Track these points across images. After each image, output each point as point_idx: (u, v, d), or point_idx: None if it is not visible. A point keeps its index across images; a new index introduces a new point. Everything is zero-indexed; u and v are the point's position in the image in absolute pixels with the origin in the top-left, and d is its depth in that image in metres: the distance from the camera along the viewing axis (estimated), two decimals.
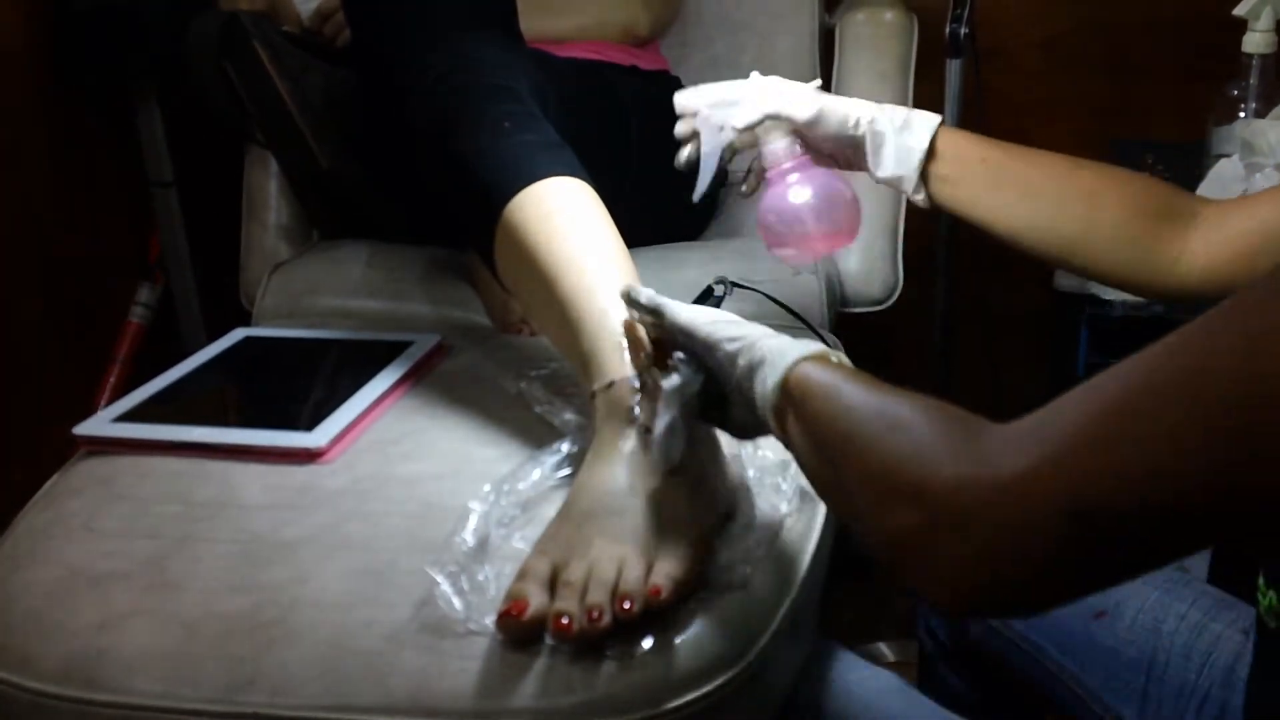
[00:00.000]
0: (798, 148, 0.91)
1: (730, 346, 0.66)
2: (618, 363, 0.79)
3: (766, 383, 0.62)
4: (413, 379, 1.03)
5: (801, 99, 0.90)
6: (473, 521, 0.76)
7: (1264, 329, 0.41)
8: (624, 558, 0.68)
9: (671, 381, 0.69)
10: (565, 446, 0.85)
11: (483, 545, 0.75)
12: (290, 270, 1.35)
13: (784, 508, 0.80)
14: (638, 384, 0.76)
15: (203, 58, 1.28)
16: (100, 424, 0.95)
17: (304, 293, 1.30)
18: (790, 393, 0.61)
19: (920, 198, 0.91)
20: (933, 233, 1.51)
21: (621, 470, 0.73)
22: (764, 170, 0.93)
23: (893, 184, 0.91)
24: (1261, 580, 0.65)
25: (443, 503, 0.83)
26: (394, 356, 1.05)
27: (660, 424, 0.69)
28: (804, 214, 0.90)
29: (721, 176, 0.97)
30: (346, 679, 0.68)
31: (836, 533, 0.87)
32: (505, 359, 1.07)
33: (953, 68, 1.43)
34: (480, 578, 0.71)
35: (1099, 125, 1.68)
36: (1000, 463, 0.48)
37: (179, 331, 1.78)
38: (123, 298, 1.77)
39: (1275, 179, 1.18)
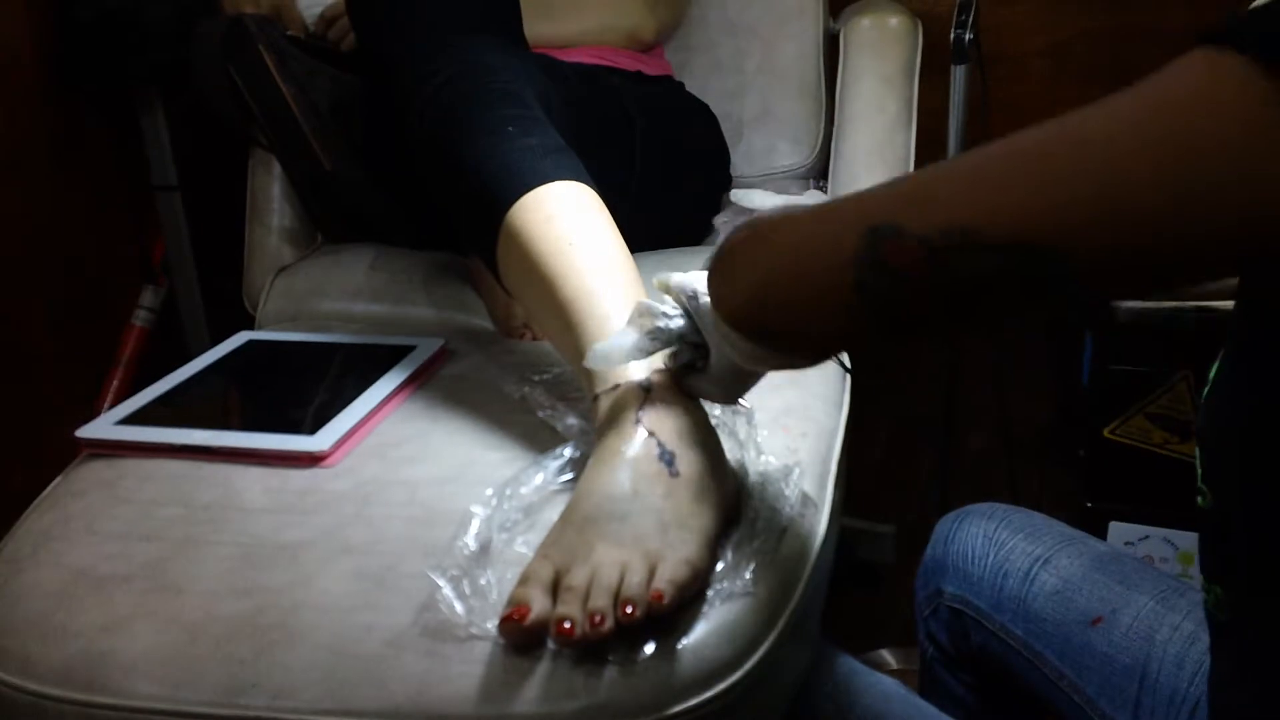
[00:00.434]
0: None
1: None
2: (620, 367, 0.79)
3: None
4: (416, 383, 1.03)
5: None
6: (475, 526, 0.76)
7: None
8: (627, 563, 0.68)
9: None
10: (568, 451, 0.84)
11: (485, 550, 0.75)
12: (294, 274, 1.35)
13: (787, 512, 0.80)
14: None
15: (207, 61, 1.29)
16: (103, 427, 0.95)
17: (307, 296, 1.31)
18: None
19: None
20: None
21: (624, 475, 0.73)
22: None
23: None
24: (1203, 580, 0.65)
25: (445, 507, 0.82)
26: (397, 360, 1.05)
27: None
28: None
29: None
30: (347, 682, 0.68)
31: (839, 538, 0.87)
32: (508, 363, 1.07)
33: (957, 73, 1.43)
34: (482, 582, 0.71)
35: None
36: None
37: (182, 335, 1.78)
38: (126, 301, 1.77)
39: None
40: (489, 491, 0.80)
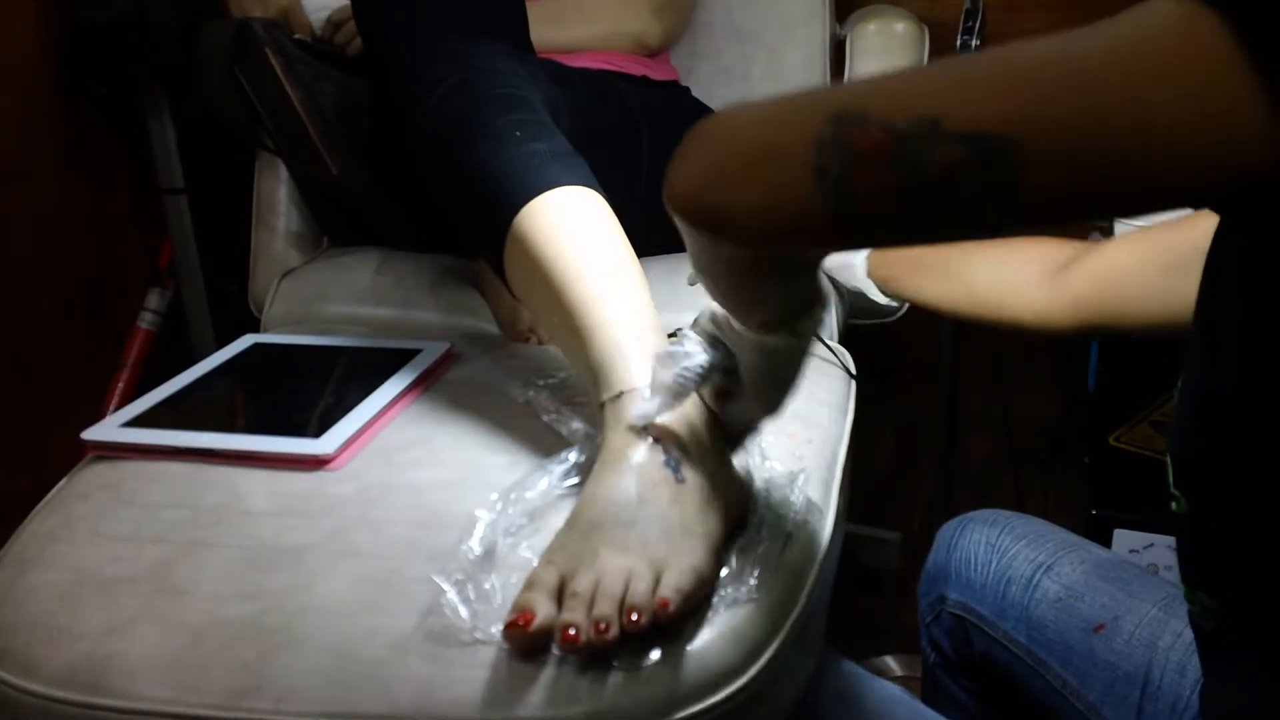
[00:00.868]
0: None
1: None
2: (627, 373, 0.79)
3: None
4: (421, 386, 1.03)
5: None
6: (480, 530, 0.76)
7: None
8: (632, 569, 0.68)
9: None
10: (573, 456, 0.84)
11: (489, 554, 0.75)
12: (300, 277, 1.35)
13: (792, 518, 0.79)
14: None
15: (214, 64, 1.29)
16: (108, 429, 0.95)
17: (313, 299, 1.31)
18: None
19: (880, 297, 1.11)
20: None
21: (630, 481, 0.73)
22: None
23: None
24: (1184, 587, 0.65)
25: (450, 511, 0.82)
26: (402, 364, 1.05)
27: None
28: None
29: None
30: (351, 686, 0.68)
31: (843, 545, 0.87)
32: (514, 367, 1.07)
33: None
34: (486, 587, 0.71)
35: None
36: None
37: (188, 337, 1.79)
38: (132, 303, 1.78)
39: None
40: (494, 496, 0.80)
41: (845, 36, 1.58)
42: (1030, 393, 1.71)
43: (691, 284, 0.74)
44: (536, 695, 0.66)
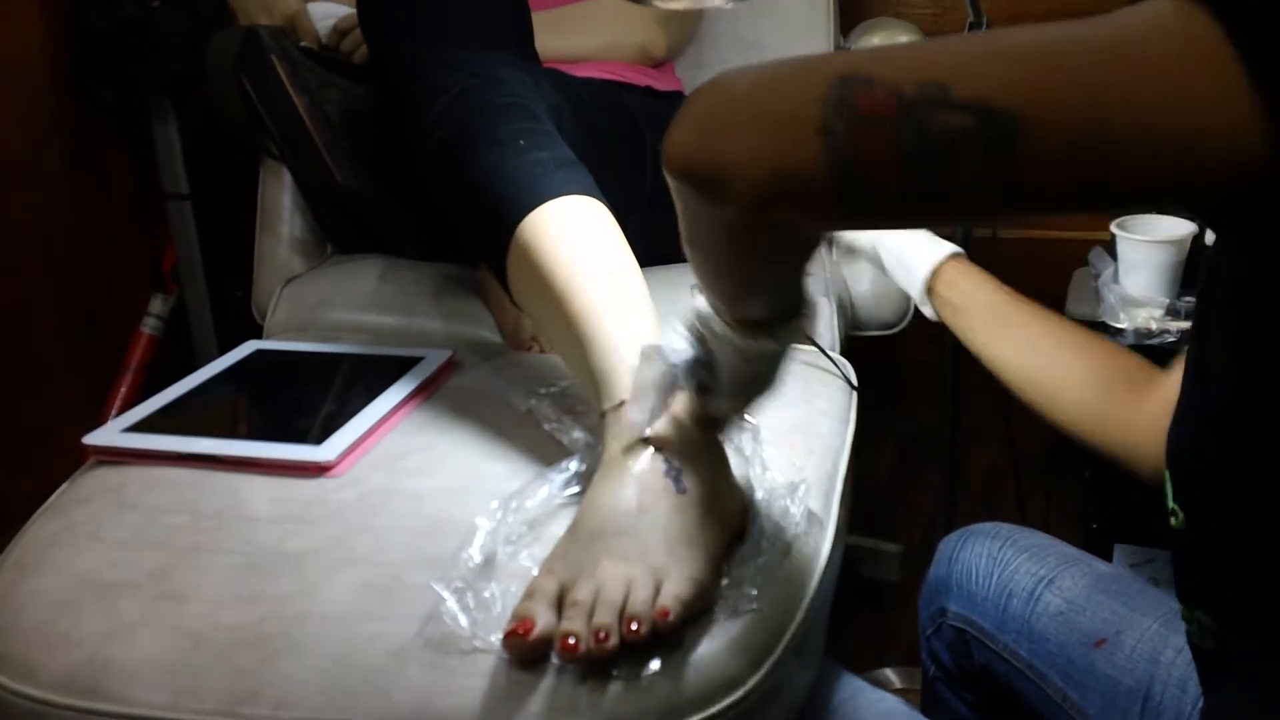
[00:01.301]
0: None
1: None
2: (628, 382, 0.79)
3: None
4: (423, 394, 1.03)
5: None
6: (480, 538, 0.76)
7: None
8: (632, 578, 0.68)
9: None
10: (574, 465, 0.84)
11: (490, 562, 0.75)
12: (303, 284, 1.35)
13: (792, 529, 0.79)
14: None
15: (221, 71, 1.29)
16: (110, 434, 0.95)
17: (316, 306, 1.31)
18: None
19: (928, 311, 1.05)
20: None
21: (630, 490, 0.73)
22: None
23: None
24: (1181, 607, 0.65)
25: (450, 518, 0.82)
26: (404, 371, 1.05)
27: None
28: None
29: None
30: (350, 693, 0.68)
31: (844, 557, 0.87)
32: (515, 376, 1.07)
33: None
34: (486, 595, 0.71)
35: None
36: None
37: (190, 343, 1.79)
38: (135, 308, 1.78)
39: None
40: (494, 504, 0.80)
41: (849, 48, 1.58)
42: None
43: (695, 293, 0.74)
44: (536, 704, 0.66)
